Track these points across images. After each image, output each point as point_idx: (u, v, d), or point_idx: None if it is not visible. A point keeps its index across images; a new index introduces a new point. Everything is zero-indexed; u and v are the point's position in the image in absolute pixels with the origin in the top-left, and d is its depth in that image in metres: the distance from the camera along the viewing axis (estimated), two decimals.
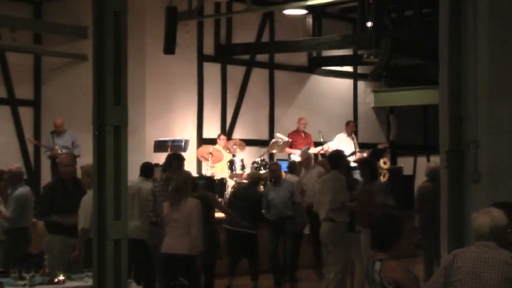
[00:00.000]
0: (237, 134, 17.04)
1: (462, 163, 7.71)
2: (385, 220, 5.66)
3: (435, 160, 12.31)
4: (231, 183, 14.76)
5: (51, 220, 9.01)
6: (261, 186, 14.26)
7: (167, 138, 14.95)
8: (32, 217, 10.67)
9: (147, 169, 10.58)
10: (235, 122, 17.33)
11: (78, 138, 14.04)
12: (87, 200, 8.71)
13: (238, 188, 12.77)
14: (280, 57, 18.02)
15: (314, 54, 18.79)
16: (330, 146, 15.81)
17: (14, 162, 15.20)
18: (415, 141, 20.75)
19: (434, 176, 10.82)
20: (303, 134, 16.06)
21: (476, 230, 5.32)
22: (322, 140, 16.13)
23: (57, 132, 14.17)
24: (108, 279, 5.12)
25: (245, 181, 14.55)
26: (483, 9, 7.69)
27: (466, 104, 7.76)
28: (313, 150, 15.99)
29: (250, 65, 17.63)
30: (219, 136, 15.83)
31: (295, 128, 16.35)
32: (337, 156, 10.79)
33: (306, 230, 12.33)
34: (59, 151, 13.71)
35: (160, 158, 14.44)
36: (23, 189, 9.65)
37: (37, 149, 15.61)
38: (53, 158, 13.89)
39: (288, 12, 16.75)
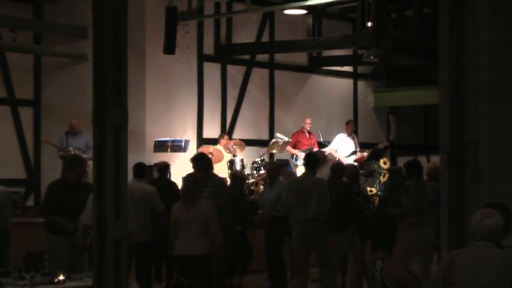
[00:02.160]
0: (237, 134, 17.04)
1: (462, 163, 7.71)
2: (385, 220, 5.68)
3: (435, 160, 12.31)
4: None
5: (55, 220, 8.94)
6: (261, 186, 14.34)
7: (167, 138, 14.96)
8: (9, 218, 10.61)
9: (140, 170, 10.50)
10: (235, 122, 17.33)
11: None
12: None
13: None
14: (280, 57, 18.02)
15: (314, 54, 18.79)
16: (333, 148, 15.82)
17: (14, 162, 15.34)
18: (415, 141, 20.76)
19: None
20: (307, 134, 16.02)
21: (482, 231, 5.31)
22: (322, 140, 16.12)
23: (72, 132, 14.08)
24: (108, 279, 5.13)
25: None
26: (483, 9, 7.69)
27: (466, 104, 7.75)
28: None
29: (250, 65, 17.63)
30: (222, 136, 15.77)
31: (295, 128, 16.34)
32: (317, 159, 10.93)
33: None
34: (72, 152, 13.67)
35: (160, 158, 14.46)
36: None
37: (37, 149, 15.60)
38: (65, 159, 13.85)
39: (288, 12, 16.75)
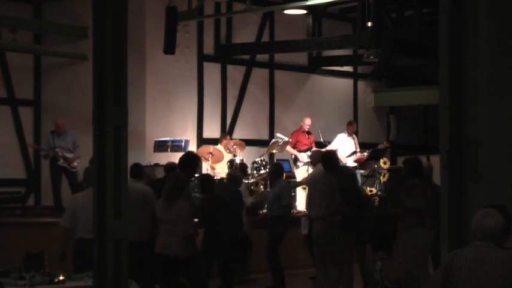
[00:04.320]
0: (237, 134, 17.03)
1: (462, 163, 7.71)
2: (385, 220, 5.68)
3: (435, 160, 12.30)
4: None
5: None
6: (261, 186, 14.34)
7: (167, 138, 14.95)
8: None
9: (137, 170, 10.47)
10: (235, 122, 17.33)
11: (78, 138, 13.97)
12: (72, 199, 8.64)
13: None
14: (280, 57, 18.02)
15: (314, 54, 18.79)
16: (333, 148, 15.78)
17: (14, 162, 15.33)
18: (415, 141, 20.76)
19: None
20: (306, 135, 15.99)
21: (483, 231, 5.31)
22: (322, 140, 16.11)
23: (58, 132, 14.03)
24: (108, 279, 5.13)
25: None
26: (483, 9, 7.69)
27: (466, 104, 7.75)
28: None
29: (250, 65, 17.63)
30: (224, 136, 15.72)
31: (295, 128, 16.31)
32: (333, 158, 10.91)
33: (305, 230, 12.28)
34: (60, 153, 13.66)
35: (160, 158, 14.46)
36: None
37: (37, 149, 15.59)
38: (50, 158, 13.84)
39: (288, 12, 16.75)
